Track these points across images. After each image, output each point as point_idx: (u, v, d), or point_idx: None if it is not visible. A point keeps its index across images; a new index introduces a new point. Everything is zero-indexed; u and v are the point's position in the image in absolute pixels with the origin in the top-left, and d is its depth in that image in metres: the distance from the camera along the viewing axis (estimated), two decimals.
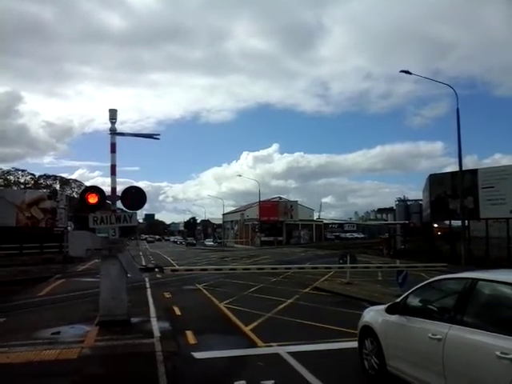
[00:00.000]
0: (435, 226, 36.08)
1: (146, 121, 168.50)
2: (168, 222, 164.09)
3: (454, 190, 28.75)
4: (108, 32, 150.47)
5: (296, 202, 78.76)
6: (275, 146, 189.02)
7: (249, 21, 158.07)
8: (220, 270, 14.36)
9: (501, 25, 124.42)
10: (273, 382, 5.69)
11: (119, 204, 10.24)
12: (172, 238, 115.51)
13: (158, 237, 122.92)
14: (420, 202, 42.27)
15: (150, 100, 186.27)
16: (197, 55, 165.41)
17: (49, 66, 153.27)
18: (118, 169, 10.33)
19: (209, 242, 77.70)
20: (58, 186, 74.80)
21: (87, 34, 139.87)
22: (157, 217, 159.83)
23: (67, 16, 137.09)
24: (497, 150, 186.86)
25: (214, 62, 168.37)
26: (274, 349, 7.40)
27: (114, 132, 10.21)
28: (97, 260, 15.99)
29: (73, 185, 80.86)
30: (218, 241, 76.90)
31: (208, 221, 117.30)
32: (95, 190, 10.04)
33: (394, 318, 5.40)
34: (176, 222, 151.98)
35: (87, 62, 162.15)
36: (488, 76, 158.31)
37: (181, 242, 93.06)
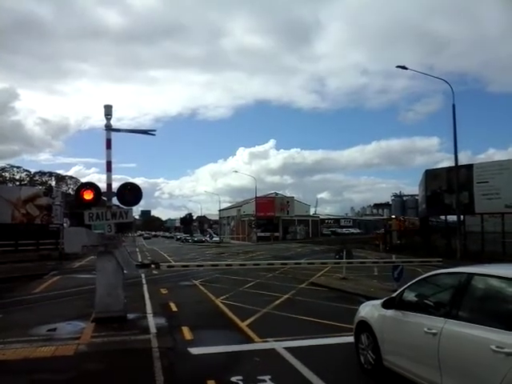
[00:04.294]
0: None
1: (143, 118, 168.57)
2: (164, 218, 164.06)
3: (449, 185, 28.85)
4: (106, 29, 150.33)
5: (292, 197, 78.85)
6: (271, 142, 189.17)
7: (246, 17, 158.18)
8: (216, 265, 14.37)
9: (495, 21, 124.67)
10: (269, 377, 5.70)
11: (115, 200, 10.21)
12: (178, 235, 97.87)
13: (153, 233, 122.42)
14: (416, 197, 42.48)
15: (148, 97, 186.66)
16: (194, 52, 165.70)
17: (46, 62, 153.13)
18: (114, 165, 10.33)
19: (214, 238, 75.90)
20: (53, 183, 74.58)
21: (85, 31, 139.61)
22: (153, 213, 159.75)
23: (64, 13, 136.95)
24: (491, 145, 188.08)
25: (211, 59, 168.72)
26: (271, 344, 7.41)
27: (109, 128, 10.16)
28: (93, 256, 15.96)
29: (68, 181, 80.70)
30: (214, 237, 76.02)
31: (204, 217, 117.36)
32: (91, 186, 10.00)
33: (389, 312, 5.41)
34: (172, 218, 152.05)
35: (85, 58, 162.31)
36: (482, 72, 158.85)
37: (186, 239, 79.27)
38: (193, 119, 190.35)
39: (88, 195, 9.68)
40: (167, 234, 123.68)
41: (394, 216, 64.98)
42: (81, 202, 9.99)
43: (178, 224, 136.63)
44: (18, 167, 75.27)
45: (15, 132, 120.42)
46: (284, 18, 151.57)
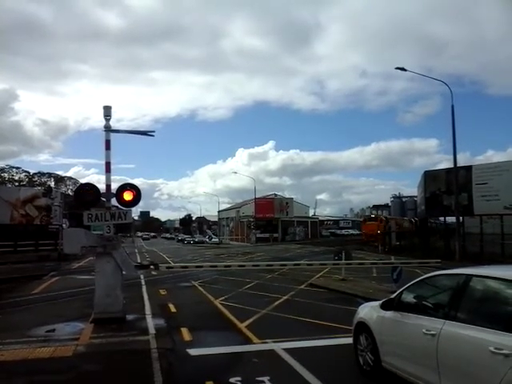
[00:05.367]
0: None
1: (142, 119, 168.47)
2: (163, 219, 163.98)
3: (448, 187, 28.87)
4: (105, 30, 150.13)
5: (291, 198, 78.77)
6: (271, 144, 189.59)
7: (245, 19, 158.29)
8: (215, 266, 14.36)
9: (494, 24, 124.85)
10: (268, 378, 5.71)
11: (114, 201, 10.21)
12: (179, 236, 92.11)
13: (153, 234, 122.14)
14: (415, 199, 42.36)
15: (147, 98, 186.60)
16: (194, 53, 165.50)
17: (46, 64, 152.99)
18: (113, 166, 10.35)
19: (214, 239, 75.17)
20: (52, 184, 74.61)
21: (85, 33, 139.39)
22: (152, 214, 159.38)
23: (64, 14, 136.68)
24: (489, 147, 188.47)
25: (211, 60, 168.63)
26: (269, 345, 7.41)
27: (108, 129, 10.16)
28: (92, 257, 15.94)
29: (68, 182, 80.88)
30: (213, 238, 75.40)
31: (203, 218, 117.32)
32: (90, 187, 10.00)
33: (388, 314, 5.41)
34: (171, 219, 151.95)
35: (84, 60, 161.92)
36: (480, 74, 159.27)
37: (187, 240, 75.57)
38: (192, 120, 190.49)
39: (87, 196, 9.68)
40: (167, 234, 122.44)
41: (373, 215, 60.49)
42: (80, 203, 9.99)
43: (177, 225, 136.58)
44: (17, 168, 75.54)
45: (14, 133, 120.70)
46: (284, 19, 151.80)
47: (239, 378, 5.72)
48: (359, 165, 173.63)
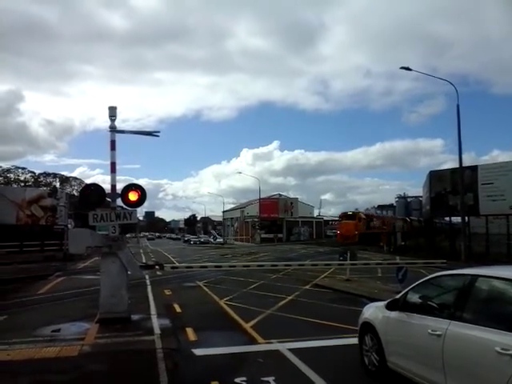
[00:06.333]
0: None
1: (147, 119, 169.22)
2: (168, 219, 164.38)
3: (453, 187, 28.76)
4: (111, 31, 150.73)
5: (296, 199, 78.82)
6: (275, 144, 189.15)
7: (250, 20, 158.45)
8: (220, 267, 14.37)
9: (498, 23, 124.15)
10: (273, 378, 5.71)
11: (119, 201, 10.25)
12: (186, 237, 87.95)
13: (158, 234, 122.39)
14: (420, 199, 42.05)
15: (152, 99, 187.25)
16: (199, 54, 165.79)
17: (51, 65, 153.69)
18: (118, 167, 10.38)
19: (218, 239, 74.83)
20: (58, 184, 74.89)
21: (90, 34, 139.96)
22: (156, 214, 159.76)
23: (70, 15, 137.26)
24: (495, 147, 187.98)
25: (215, 61, 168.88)
26: (274, 345, 7.41)
27: (113, 129, 10.19)
28: (97, 258, 16.00)
29: (73, 182, 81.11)
30: (218, 238, 75.21)
31: (208, 218, 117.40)
32: (95, 187, 10.03)
33: (393, 314, 5.40)
34: (176, 219, 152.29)
35: (90, 61, 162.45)
36: (485, 74, 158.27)
37: (194, 241, 72.80)
38: (197, 120, 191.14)
39: (93, 196, 9.72)
40: (173, 235, 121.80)
41: (350, 212, 50.69)
42: (85, 203, 10.03)
43: (182, 225, 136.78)
44: (22, 168, 75.87)
45: (20, 133, 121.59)
46: (288, 20, 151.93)
47: (244, 378, 5.72)
48: (364, 165, 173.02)
